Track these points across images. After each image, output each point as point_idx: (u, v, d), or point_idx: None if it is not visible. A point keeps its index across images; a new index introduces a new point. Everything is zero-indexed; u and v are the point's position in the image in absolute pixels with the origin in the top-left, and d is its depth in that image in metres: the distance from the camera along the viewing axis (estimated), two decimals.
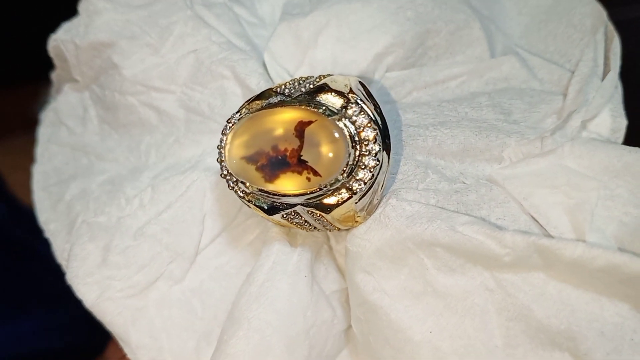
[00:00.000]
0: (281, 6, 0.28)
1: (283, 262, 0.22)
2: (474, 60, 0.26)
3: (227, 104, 0.24)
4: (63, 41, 0.27)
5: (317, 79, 0.21)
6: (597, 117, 0.23)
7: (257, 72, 0.24)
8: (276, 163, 0.19)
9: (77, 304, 0.24)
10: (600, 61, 0.25)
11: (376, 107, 0.20)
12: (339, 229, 0.21)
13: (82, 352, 0.32)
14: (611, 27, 0.26)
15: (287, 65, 0.26)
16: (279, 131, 0.20)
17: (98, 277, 0.23)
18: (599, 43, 0.25)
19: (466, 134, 0.23)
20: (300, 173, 0.19)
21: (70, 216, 0.26)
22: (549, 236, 0.20)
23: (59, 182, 0.28)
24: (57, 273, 0.25)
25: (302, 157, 0.19)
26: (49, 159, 0.29)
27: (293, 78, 0.21)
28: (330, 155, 0.19)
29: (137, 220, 0.24)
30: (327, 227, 0.21)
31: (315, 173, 0.19)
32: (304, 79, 0.21)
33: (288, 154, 0.19)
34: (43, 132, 0.30)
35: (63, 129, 0.29)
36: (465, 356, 0.20)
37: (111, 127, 0.28)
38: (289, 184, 0.19)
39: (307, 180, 0.19)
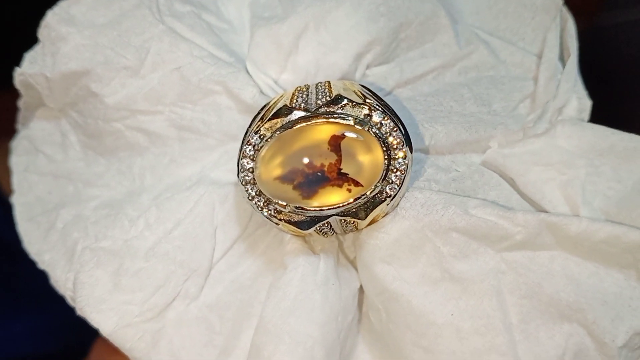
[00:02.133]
0: (247, 6, 0.28)
1: (311, 273, 0.22)
2: (442, 47, 0.28)
3: (223, 119, 0.25)
4: (31, 75, 0.26)
5: (326, 88, 0.21)
6: (568, 105, 0.25)
7: (250, 84, 0.24)
8: (314, 180, 0.20)
9: (67, 306, 0.24)
10: (558, 47, 0.27)
11: (389, 107, 0.21)
12: (355, 230, 0.22)
13: (73, 354, 0.32)
14: (565, 10, 0.28)
15: (270, 72, 0.26)
16: (312, 147, 0.20)
17: (112, 303, 0.23)
18: (557, 27, 0.27)
19: (458, 130, 0.24)
20: (340, 186, 0.20)
21: (68, 244, 0.25)
22: (555, 214, 0.22)
23: (46, 212, 0.27)
24: (47, 275, 0.25)
25: (342, 170, 0.20)
26: (29, 188, 0.28)
27: (297, 88, 0.22)
28: (370, 164, 0.20)
29: (146, 241, 0.24)
30: (350, 231, 0.22)
31: (357, 184, 0.20)
32: (306, 87, 0.22)
33: (326, 168, 0.20)
34: (17, 161, 0.29)
35: (41, 157, 0.28)
36: (486, 334, 0.21)
37: (96, 152, 0.27)
38: (329, 198, 0.20)
39: (347, 192, 0.20)
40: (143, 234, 0.24)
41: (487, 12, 0.29)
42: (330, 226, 0.21)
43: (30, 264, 0.26)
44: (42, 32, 0.26)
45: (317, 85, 0.22)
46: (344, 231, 0.22)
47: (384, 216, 0.22)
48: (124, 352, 0.23)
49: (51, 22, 0.25)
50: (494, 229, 0.21)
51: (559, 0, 0.28)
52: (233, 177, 0.24)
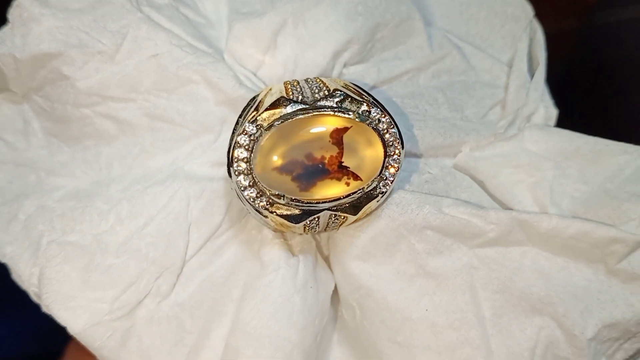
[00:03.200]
0: (224, 3, 0.27)
1: (291, 276, 0.23)
2: (415, 49, 0.28)
3: (199, 110, 0.24)
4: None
5: (320, 83, 0.21)
6: (535, 113, 0.27)
7: (229, 74, 0.24)
8: (313, 172, 0.20)
9: None
10: (527, 57, 0.28)
11: (382, 105, 0.21)
12: (337, 229, 0.23)
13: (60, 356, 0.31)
14: (535, 21, 0.29)
15: (248, 66, 0.26)
16: (313, 140, 0.20)
17: (82, 301, 0.22)
18: (527, 38, 0.29)
19: (433, 135, 0.25)
20: (339, 179, 0.20)
21: (32, 237, 0.24)
22: (527, 211, 0.23)
23: (7, 202, 0.26)
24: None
25: (343, 163, 0.20)
26: None
27: (287, 82, 0.22)
28: (370, 159, 0.20)
29: (117, 236, 0.23)
30: (331, 228, 0.22)
31: (356, 178, 0.20)
32: (297, 82, 0.22)
33: (326, 161, 0.20)
34: None
35: (1, 144, 0.27)
36: (460, 328, 0.22)
37: (60, 140, 0.26)
38: (326, 191, 0.20)
39: (346, 185, 0.20)
40: (114, 228, 0.23)
41: (458, 17, 0.30)
42: (318, 222, 0.21)
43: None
44: (13, 12, 0.24)
45: (306, 80, 0.22)
46: (328, 228, 0.22)
47: (368, 214, 0.22)
48: (92, 351, 0.23)
49: (24, 3, 0.24)
50: (468, 227, 0.22)
51: (530, 10, 0.29)
52: (208, 171, 0.24)
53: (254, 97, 0.22)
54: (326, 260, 0.25)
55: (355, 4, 0.27)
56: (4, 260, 0.24)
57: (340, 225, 0.22)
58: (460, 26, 0.30)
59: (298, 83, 0.22)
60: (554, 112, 0.27)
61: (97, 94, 0.24)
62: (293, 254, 0.23)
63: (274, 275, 0.23)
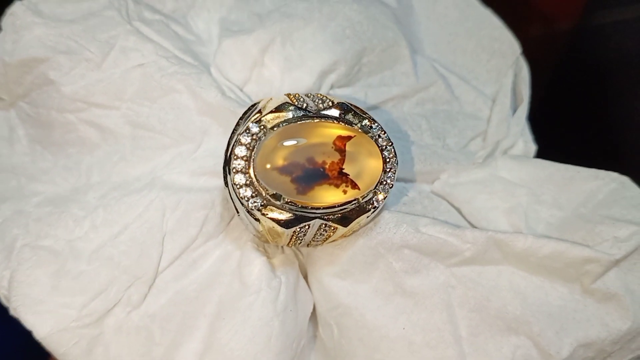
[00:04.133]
0: (216, 23, 0.28)
1: (272, 299, 0.22)
2: (401, 75, 0.29)
3: (181, 118, 0.24)
4: None
5: (323, 97, 0.22)
6: (514, 147, 0.27)
7: (213, 85, 0.24)
8: (312, 175, 0.20)
9: None
10: (511, 93, 0.29)
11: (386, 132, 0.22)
12: (320, 245, 0.22)
13: None
14: (521, 59, 0.30)
15: (235, 81, 0.26)
16: (316, 145, 0.20)
17: (50, 306, 0.22)
18: (512, 74, 0.29)
19: (414, 161, 0.25)
20: (337, 186, 0.20)
21: (6, 240, 0.24)
22: (502, 231, 0.23)
23: None
24: None
25: (343, 170, 0.20)
26: None
27: (289, 94, 0.22)
28: (370, 170, 0.21)
29: (90, 243, 0.23)
30: (315, 243, 0.22)
31: (354, 186, 0.20)
32: (298, 95, 0.22)
33: (327, 166, 0.20)
34: None
35: None
36: (437, 347, 0.22)
37: (43, 146, 0.26)
38: (323, 196, 0.20)
39: (343, 193, 0.20)
40: (88, 235, 0.23)
41: (446, 46, 0.31)
42: (306, 232, 0.21)
43: None
44: (7, 20, 0.25)
45: (308, 94, 0.22)
46: (312, 242, 0.22)
47: (355, 230, 0.22)
48: (57, 357, 0.22)
49: (17, 11, 0.25)
50: (444, 246, 0.22)
51: (517, 48, 0.30)
52: (186, 181, 0.24)
53: (255, 104, 0.22)
54: (306, 279, 0.25)
55: (343, 28, 0.27)
56: None
57: (324, 241, 0.22)
58: (447, 55, 0.31)
59: (300, 95, 0.22)
60: (532, 148, 0.27)
61: (81, 100, 0.24)
62: (275, 273, 0.23)
63: (254, 297, 0.23)
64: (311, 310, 0.24)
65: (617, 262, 0.22)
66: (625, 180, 0.24)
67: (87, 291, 0.22)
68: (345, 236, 0.22)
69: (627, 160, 0.33)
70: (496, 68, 0.30)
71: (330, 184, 0.20)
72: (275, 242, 0.22)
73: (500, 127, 0.28)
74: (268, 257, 0.24)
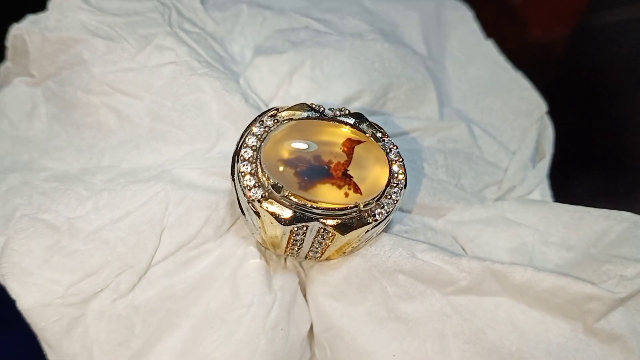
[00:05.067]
0: (251, 49, 0.29)
1: (262, 315, 0.22)
2: (425, 117, 0.29)
3: (200, 117, 0.24)
4: (29, 31, 0.25)
5: (342, 108, 0.22)
6: (529, 194, 0.27)
7: (238, 91, 0.25)
8: (316, 172, 0.20)
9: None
10: (534, 146, 0.29)
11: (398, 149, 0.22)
12: (318, 258, 0.22)
13: None
14: (546, 117, 0.30)
15: (262, 96, 0.26)
16: (325, 143, 0.20)
17: (38, 279, 0.22)
18: (537, 130, 0.29)
19: (422, 193, 0.25)
20: (340, 187, 0.20)
21: (7, 208, 0.24)
22: (500, 262, 0.22)
23: None
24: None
25: (348, 172, 0.20)
26: None
27: (313, 103, 0.22)
28: (374, 178, 0.20)
29: (90, 223, 0.23)
30: (313, 254, 0.22)
31: (357, 189, 0.20)
32: (329, 109, 0.22)
33: (332, 165, 0.20)
34: None
35: (5, 121, 0.27)
36: None
37: (61, 126, 0.26)
38: (324, 195, 0.20)
39: (344, 196, 0.20)
40: (89, 216, 0.23)
41: (474, 105, 0.31)
42: (304, 235, 0.21)
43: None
44: (55, 1, 0.26)
45: (330, 108, 0.22)
46: (309, 252, 0.22)
47: (353, 247, 0.22)
48: (35, 331, 0.22)
49: None
50: (439, 274, 0.22)
51: (543, 107, 0.30)
52: (195, 178, 0.24)
53: (275, 107, 0.22)
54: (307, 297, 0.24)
55: (372, 61, 0.28)
56: None
57: (322, 253, 0.22)
58: (475, 113, 0.31)
59: (321, 105, 0.22)
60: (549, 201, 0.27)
61: (108, 84, 0.25)
62: (271, 289, 0.23)
63: (244, 310, 0.22)
64: (307, 329, 0.24)
65: (622, 301, 0.21)
66: (638, 219, 0.23)
67: (77, 271, 0.22)
68: (342, 252, 0.22)
69: (629, 162, 0.33)
70: (521, 127, 0.31)
71: (333, 184, 0.20)
72: (275, 248, 0.22)
73: (517, 174, 0.27)
74: (267, 270, 0.23)
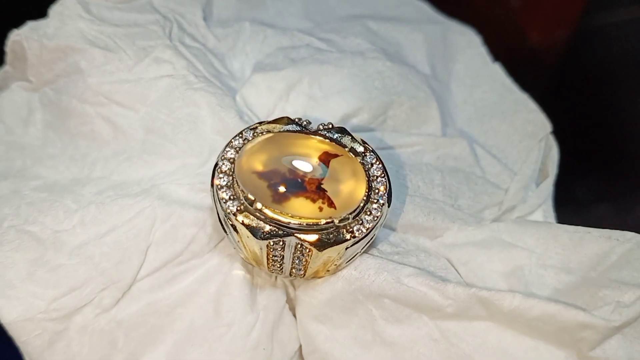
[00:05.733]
0: (251, 66, 0.28)
1: (243, 335, 0.22)
2: (427, 136, 0.28)
3: (194, 132, 0.24)
4: (27, 38, 0.25)
5: (329, 124, 0.22)
6: (531, 215, 0.26)
7: (234, 108, 0.24)
8: (291, 185, 0.20)
9: None
10: (538, 166, 0.28)
11: (381, 161, 0.21)
12: (302, 276, 0.22)
13: None
14: (551, 138, 0.29)
15: (258, 113, 0.26)
16: (301, 156, 0.20)
17: (21, 292, 0.21)
18: (541, 150, 0.28)
19: (416, 213, 0.24)
20: (314, 201, 0.19)
21: None
22: (487, 288, 0.21)
23: None
24: None
25: (322, 186, 0.20)
26: None
27: (297, 118, 0.22)
28: (349, 192, 0.20)
29: (75, 237, 0.22)
30: (297, 271, 0.21)
31: (331, 204, 0.19)
32: (307, 120, 0.22)
33: (307, 179, 0.20)
34: None
35: (0, 125, 0.27)
36: None
37: (56, 134, 0.26)
38: (298, 209, 0.19)
39: (318, 210, 0.19)
40: (75, 229, 0.23)
41: (479, 126, 0.30)
42: (283, 250, 0.20)
43: None
44: (56, 8, 0.26)
45: (321, 123, 0.22)
46: (292, 269, 0.21)
47: (337, 266, 0.21)
48: (18, 344, 0.22)
49: (68, 3, 0.26)
50: (424, 300, 0.21)
51: (548, 127, 0.29)
52: (184, 194, 0.23)
53: (279, 118, 0.22)
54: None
55: (373, 78, 0.27)
56: None
57: (305, 270, 0.21)
58: (479, 135, 0.30)
59: (308, 121, 0.22)
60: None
61: (104, 95, 0.25)
62: (254, 308, 0.22)
63: (225, 329, 0.22)
64: (296, 349, 0.23)
65: (617, 329, 0.20)
66: None
67: (60, 286, 0.22)
68: (327, 270, 0.21)
69: (629, 163, 0.32)
70: (527, 148, 0.30)
71: (306, 198, 0.19)
72: (259, 265, 0.22)
73: (518, 194, 0.27)
74: (253, 289, 0.23)
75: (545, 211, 0.26)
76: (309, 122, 0.22)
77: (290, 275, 0.22)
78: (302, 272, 0.21)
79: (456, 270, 0.24)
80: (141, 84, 0.25)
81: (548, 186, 0.27)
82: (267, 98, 0.26)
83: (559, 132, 0.28)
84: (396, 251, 0.24)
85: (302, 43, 0.29)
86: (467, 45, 0.32)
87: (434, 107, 0.28)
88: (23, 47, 0.26)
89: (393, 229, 0.24)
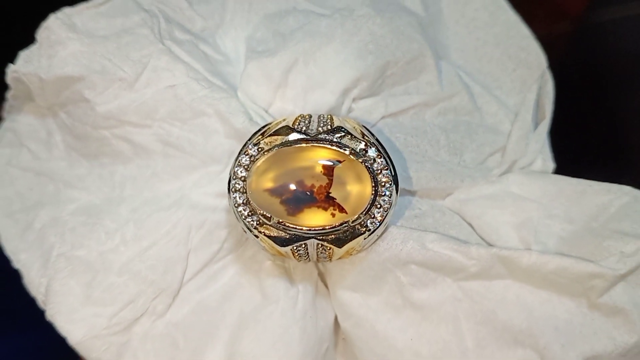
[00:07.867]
0: (243, 41, 0.28)
1: (290, 307, 0.24)
2: (425, 85, 0.29)
3: (209, 141, 0.25)
4: (25, 74, 0.26)
5: (328, 119, 0.23)
6: (532, 164, 0.27)
7: (240, 110, 0.25)
8: (301, 198, 0.21)
9: (51, 326, 0.24)
10: (534, 109, 0.29)
11: (383, 147, 0.22)
12: (329, 261, 0.24)
13: None
14: (547, 72, 0.29)
15: (260, 103, 0.27)
16: (306, 168, 0.21)
17: (83, 314, 0.24)
18: (536, 90, 0.29)
19: (428, 178, 0.26)
20: (325, 209, 0.21)
21: (44, 247, 0.26)
22: (507, 248, 0.23)
23: (25, 209, 0.27)
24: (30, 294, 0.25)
25: (330, 194, 0.21)
26: (10, 182, 0.28)
27: (300, 115, 0.23)
28: (357, 194, 0.21)
29: (120, 255, 0.24)
30: (324, 259, 0.23)
31: (341, 210, 0.21)
32: (309, 116, 0.23)
33: (315, 190, 0.21)
34: (1, 153, 0.29)
35: (25, 151, 0.28)
36: (442, 358, 0.23)
37: (80, 154, 0.27)
38: (312, 219, 0.21)
39: (331, 216, 0.21)
40: (119, 248, 0.25)
41: (472, 53, 0.31)
42: (307, 249, 0.22)
43: (13, 283, 0.26)
44: (42, 33, 0.26)
45: (319, 116, 0.23)
46: (318, 258, 0.23)
47: (359, 251, 0.23)
48: None
49: (52, 25, 0.26)
50: (450, 262, 0.23)
51: (544, 61, 0.30)
52: (212, 201, 0.25)
53: (267, 125, 0.23)
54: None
55: (365, 43, 0.27)
56: (18, 266, 0.26)
57: (330, 258, 0.23)
58: (473, 62, 0.31)
59: (310, 117, 0.23)
60: (551, 166, 0.27)
61: (115, 118, 0.26)
62: (293, 284, 0.25)
63: (273, 306, 0.24)
64: (333, 317, 0.26)
65: (622, 277, 0.22)
66: (638, 193, 0.24)
67: (116, 302, 0.24)
68: (350, 254, 0.23)
69: (629, 158, 0.33)
70: (520, 78, 0.30)
71: (318, 207, 0.21)
72: (285, 257, 0.24)
73: (520, 144, 0.28)
74: (286, 270, 0.25)
75: (544, 154, 0.27)
76: (309, 121, 0.23)
77: (318, 261, 0.24)
78: (327, 259, 0.23)
79: (469, 224, 0.25)
80: (146, 100, 0.25)
81: (545, 128, 0.28)
82: (266, 87, 0.27)
83: (559, 131, 0.29)
84: (413, 214, 0.25)
85: (288, 6, 0.29)
86: None
87: (428, 55, 0.28)
88: (23, 81, 0.26)
89: (410, 193, 0.26)
